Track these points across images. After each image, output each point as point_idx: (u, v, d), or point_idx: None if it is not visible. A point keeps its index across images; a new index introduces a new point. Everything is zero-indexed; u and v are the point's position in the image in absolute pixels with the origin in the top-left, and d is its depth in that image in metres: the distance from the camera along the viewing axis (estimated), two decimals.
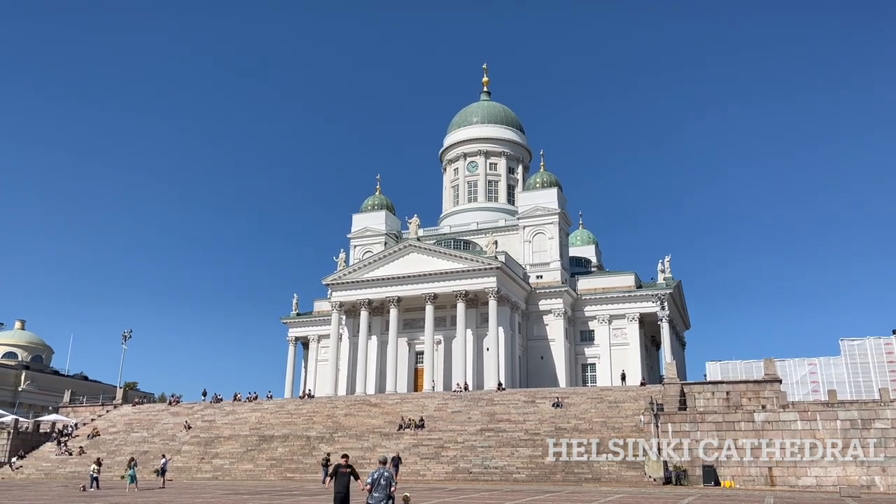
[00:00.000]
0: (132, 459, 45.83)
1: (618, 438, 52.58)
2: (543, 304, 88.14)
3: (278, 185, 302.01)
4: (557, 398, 62.58)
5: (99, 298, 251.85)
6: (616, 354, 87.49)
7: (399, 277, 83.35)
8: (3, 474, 63.05)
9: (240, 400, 78.47)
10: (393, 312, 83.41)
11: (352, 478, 19.16)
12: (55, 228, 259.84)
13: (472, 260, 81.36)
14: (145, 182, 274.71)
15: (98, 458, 56.16)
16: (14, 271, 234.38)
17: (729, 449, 45.88)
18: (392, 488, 16.80)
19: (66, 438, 70.47)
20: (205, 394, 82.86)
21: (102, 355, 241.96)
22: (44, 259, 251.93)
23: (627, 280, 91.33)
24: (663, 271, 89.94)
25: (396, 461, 45.11)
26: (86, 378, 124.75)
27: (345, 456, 19.63)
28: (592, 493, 38.25)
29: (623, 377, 78.53)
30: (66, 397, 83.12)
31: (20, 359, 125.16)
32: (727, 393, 51.65)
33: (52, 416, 77.15)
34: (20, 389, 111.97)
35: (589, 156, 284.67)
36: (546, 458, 51.28)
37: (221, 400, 79.50)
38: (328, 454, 48.82)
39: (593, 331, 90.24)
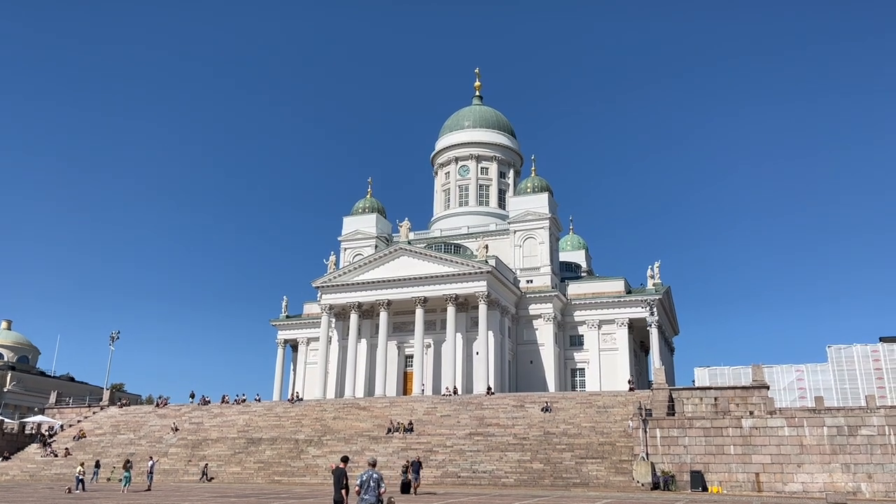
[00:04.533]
0: (128, 461, 45.38)
1: (606, 443, 52.85)
2: (533, 309, 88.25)
3: (269, 188, 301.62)
4: (546, 403, 62.65)
5: (86, 299, 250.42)
6: (605, 359, 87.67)
7: (389, 280, 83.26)
8: None
9: (228, 402, 78.06)
10: (383, 315, 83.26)
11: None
12: (43, 229, 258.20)
13: (463, 264, 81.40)
14: (135, 183, 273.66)
15: (97, 461, 56.06)
16: (0, 271, 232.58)
17: (716, 454, 46.14)
18: (381, 490, 16.71)
19: (52, 440, 69.94)
20: (192, 396, 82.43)
21: (89, 356, 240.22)
22: (31, 259, 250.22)
23: (617, 285, 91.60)
24: (653, 277, 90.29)
25: (417, 465, 43.22)
26: (72, 379, 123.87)
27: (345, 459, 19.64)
28: (580, 497, 38.28)
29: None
30: (53, 398, 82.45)
31: (6, 359, 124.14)
32: (715, 399, 51.88)
33: (38, 418, 76.53)
34: (5, 390, 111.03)
35: (580, 161, 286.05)
36: (534, 462, 51.34)
37: (209, 402, 79.06)
38: (418, 458, 46.49)
39: (583, 336, 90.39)
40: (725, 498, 39.61)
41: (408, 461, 45.10)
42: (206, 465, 56.90)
